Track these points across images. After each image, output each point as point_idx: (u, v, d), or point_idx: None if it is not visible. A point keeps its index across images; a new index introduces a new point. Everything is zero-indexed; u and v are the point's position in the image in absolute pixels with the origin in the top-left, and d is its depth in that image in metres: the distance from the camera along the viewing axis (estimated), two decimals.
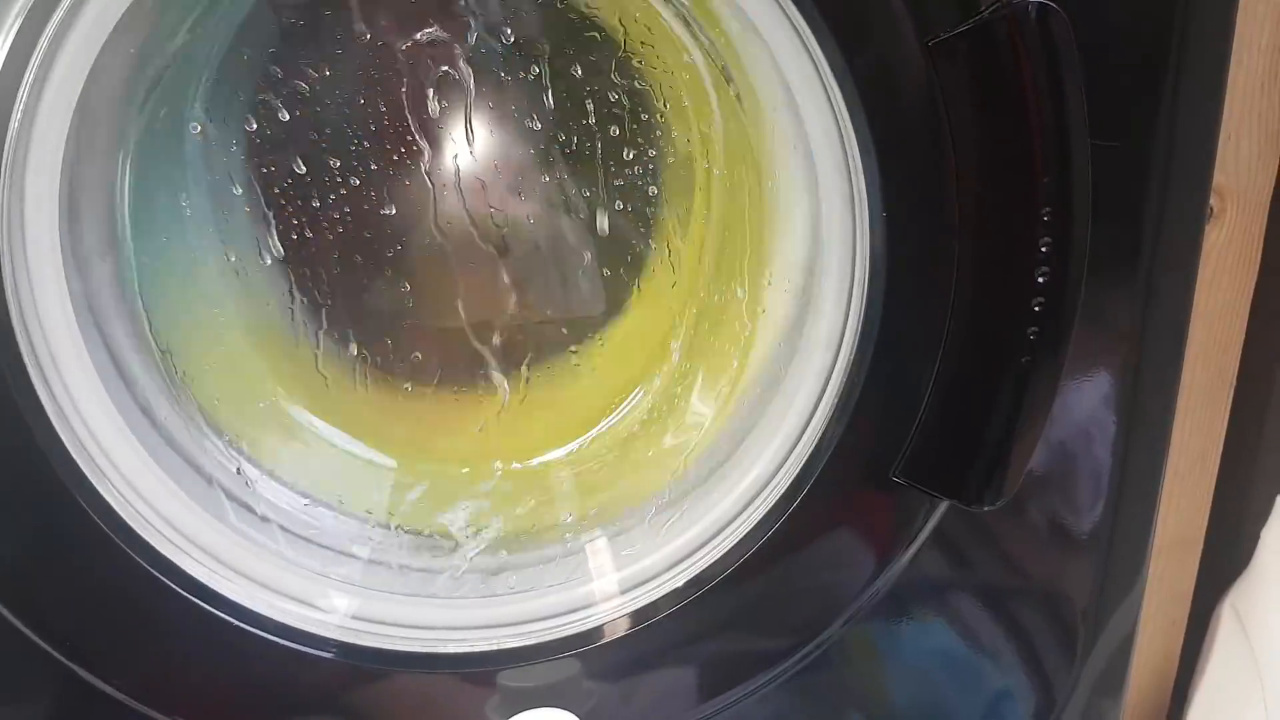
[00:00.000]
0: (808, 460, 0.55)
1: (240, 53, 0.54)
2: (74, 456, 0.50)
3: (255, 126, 0.56)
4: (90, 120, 0.48)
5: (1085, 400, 0.59)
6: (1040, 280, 0.50)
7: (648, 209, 0.64)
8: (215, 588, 0.53)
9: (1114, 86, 0.52)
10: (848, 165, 0.50)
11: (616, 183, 0.62)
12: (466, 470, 0.64)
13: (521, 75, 0.58)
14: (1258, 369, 0.73)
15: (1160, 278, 0.57)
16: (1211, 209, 0.66)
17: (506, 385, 0.66)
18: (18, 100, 0.45)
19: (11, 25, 0.44)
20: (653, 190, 0.62)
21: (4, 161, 0.45)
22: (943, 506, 0.56)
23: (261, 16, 0.54)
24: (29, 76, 0.45)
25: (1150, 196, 0.55)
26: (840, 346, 0.54)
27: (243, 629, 0.53)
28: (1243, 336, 0.71)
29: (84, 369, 0.51)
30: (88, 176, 0.50)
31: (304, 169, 0.58)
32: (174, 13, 0.49)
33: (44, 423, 0.49)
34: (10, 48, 0.44)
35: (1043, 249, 0.50)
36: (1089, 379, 0.59)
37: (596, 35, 0.58)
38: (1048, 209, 0.49)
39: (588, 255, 0.64)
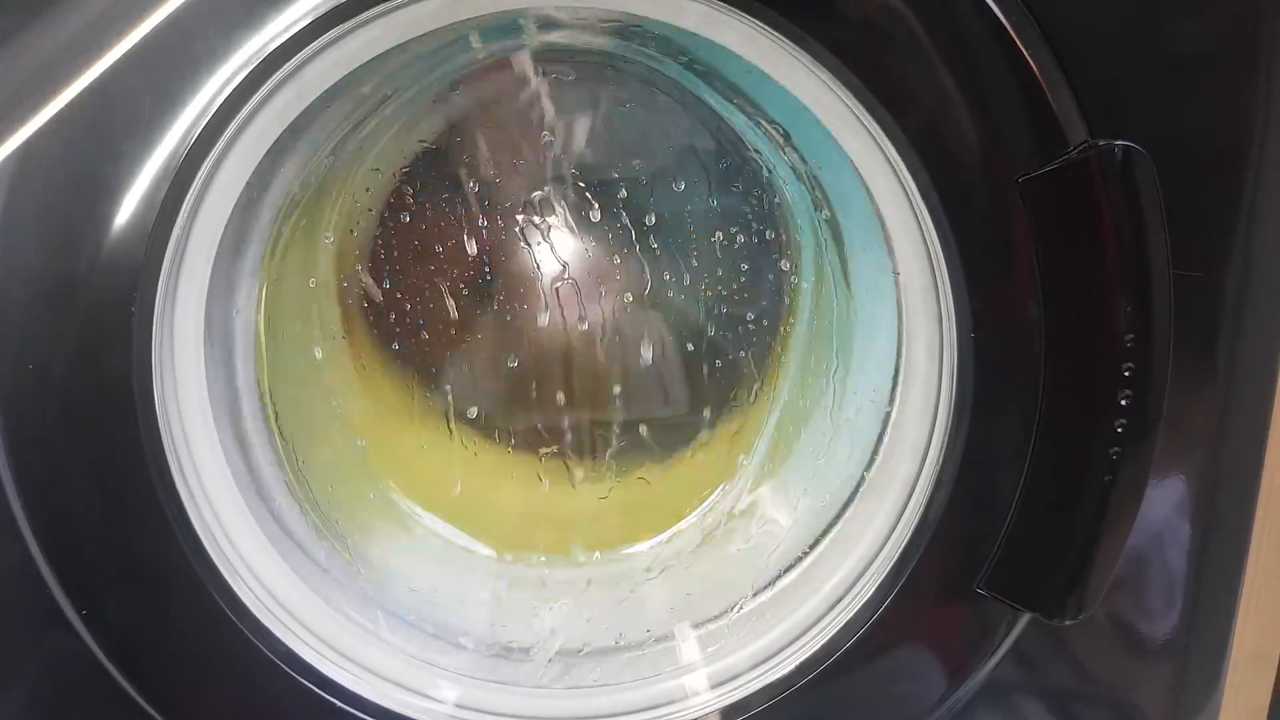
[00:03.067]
0: (893, 567, 0.56)
1: (376, 171, 0.60)
2: (200, 537, 0.53)
3: (382, 238, 0.62)
4: (236, 234, 0.53)
5: (1161, 505, 0.60)
6: (1123, 402, 0.53)
7: (740, 322, 0.67)
8: (324, 671, 0.56)
9: (1195, 217, 0.55)
10: (936, 287, 0.53)
11: (711, 294, 0.66)
12: (556, 561, 0.67)
13: (626, 201, 0.63)
14: None
15: (1239, 387, 0.59)
16: None
17: (593, 478, 0.70)
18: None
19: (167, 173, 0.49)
20: (746, 303, 0.66)
21: (161, 274, 0.50)
22: (1024, 620, 0.58)
23: (398, 140, 0.60)
24: (182, 214, 0.50)
25: (1228, 318, 0.57)
26: (925, 457, 0.57)
27: (350, 713, 0.56)
28: None
29: (215, 457, 0.55)
30: (229, 287, 0.55)
31: (425, 278, 0.63)
32: (316, 142, 0.55)
33: (175, 502, 0.53)
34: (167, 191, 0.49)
35: (1125, 373, 0.52)
36: (1165, 484, 0.60)
37: (697, 166, 0.63)
38: (1131, 335, 0.52)
39: (681, 362, 0.67)
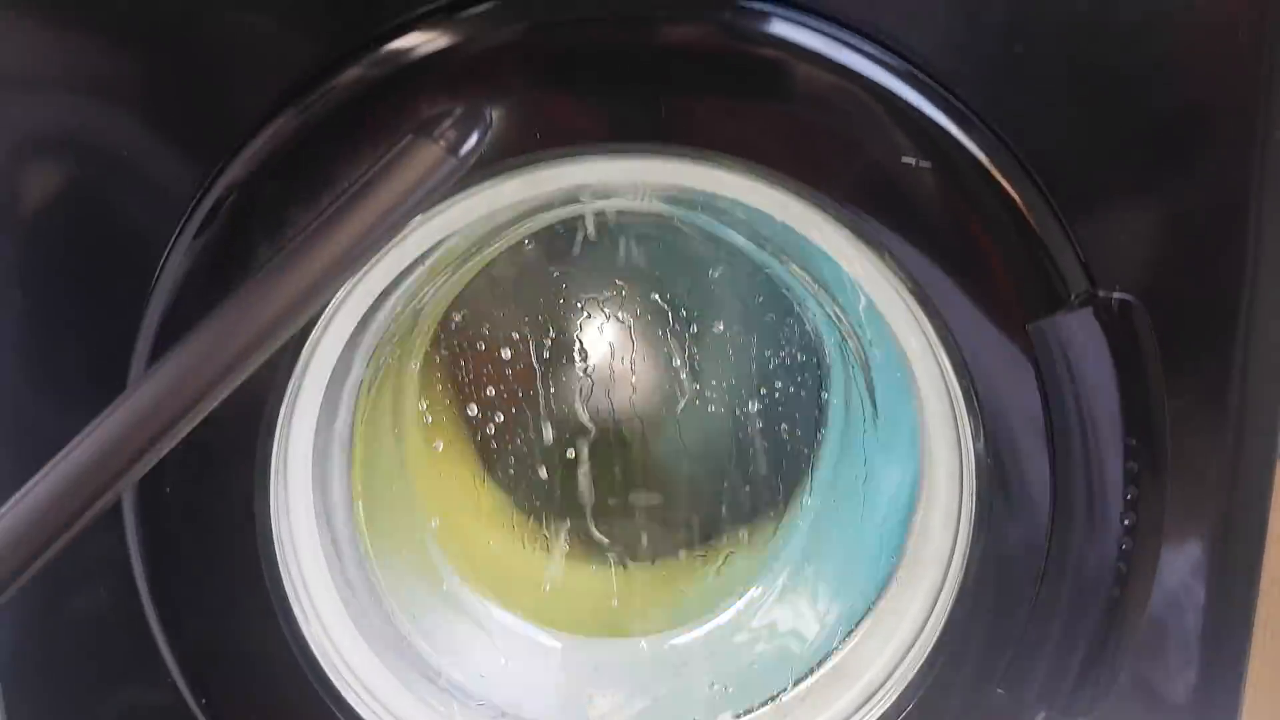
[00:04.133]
0: (920, 668, 0.62)
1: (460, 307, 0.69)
2: (305, 636, 0.61)
3: (461, 364, 0.70)
4: (342, 366, 0.61)
5: (1178, 572, 0.64)
6: (1126, 524, 0.58)
7: (779, 430, 0.74)
8: None
9: (1191, 347, 0.60)
10: (954, 416, 0.59)
11: (752, 408, 0.73)
12: (611, 650, 0.73)
13: (674, 328, 0.71)
14: None
15: (1235, 508, 0.64)
16: None
17: (641, 571, 0.76)
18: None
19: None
20: (784, 417, 0.73)
21: (282, 405, 0.58)
22: (1041, 714, 0.63)
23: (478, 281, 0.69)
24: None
25: (1225, 440, 0.62)
26: (949, 566, 0.62)
27: None
28: None
29: (315, 557, 0.63)
30: (332, 410, 0.63)
31: (495, 396, 0.71)
32: (412, 289, 0.63)
33: (281, 595, 0.60)
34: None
35: (1128, 497, 0.58)
36: (1180, 551, 0.63)
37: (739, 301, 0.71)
38: (1132, 463, 0.58)
39: (724, 467, 0.74)
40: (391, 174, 0.44)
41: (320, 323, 0.56)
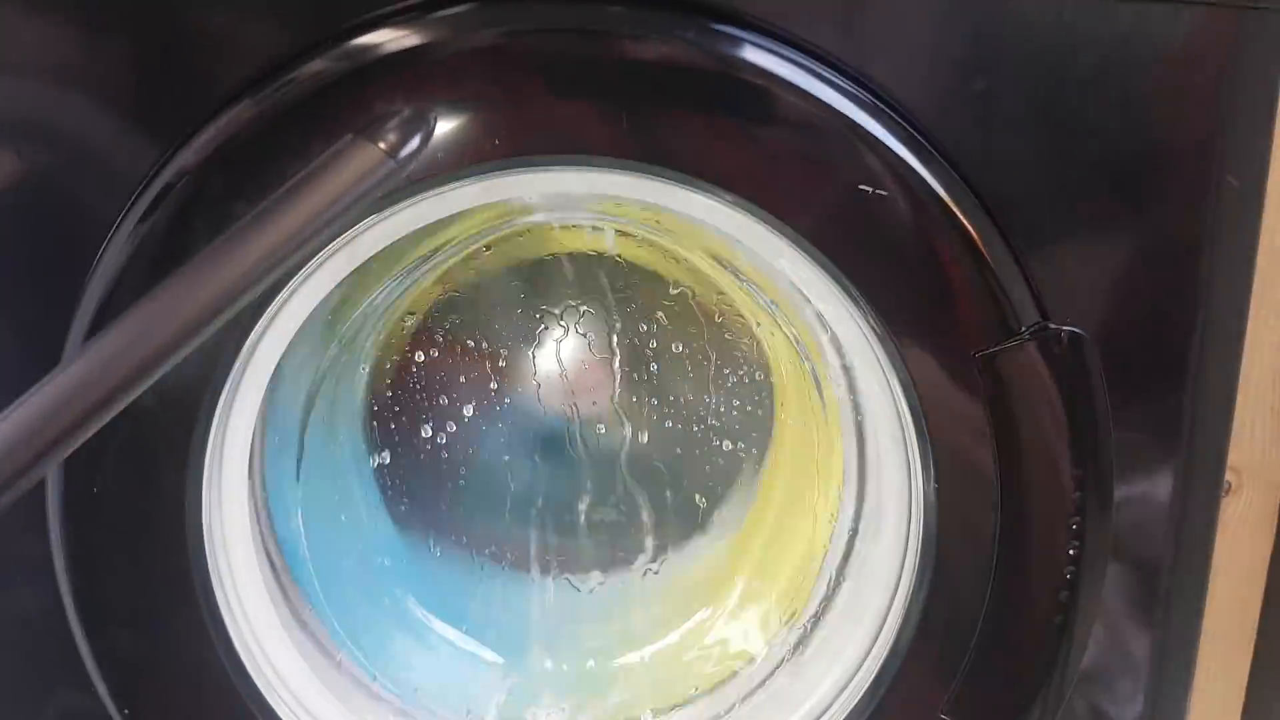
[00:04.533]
0: (865, 693, 0.62)
1: (410, 314, 0.68)
2: (235, 645, 0.59)
3: (409, 371, 0.69)
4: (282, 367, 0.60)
5: (1122, 600, 0.64)
6: (1071, 551, 0.58)
7: (728, 448, 0.74)
8: None
9: (1141, 382, 0.61)
10: (904, 441, 0.59)
11: (704, 425, 0.73)
12: (555, 668, 0.72)
13: (628, 346, 0.71)
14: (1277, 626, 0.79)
15: (1182, 544, 0.64)
16: (1229, 484, 0.74)
17: (587, 591, 0.75)
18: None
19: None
20: (738, 433, 0.73)
21: (218, 408, 0.56)
22: None
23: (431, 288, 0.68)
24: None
25: (1174, 473, 0.63)
26: (895, 591, 0.62)
27: None
28: (1261, 595, 0.77)
29: (249, 563, 0.61)
30: (272, 415, 0.62)
31: (443, 407, 0.70)
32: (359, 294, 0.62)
33: (211, 600, 0.58)
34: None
35: (1073, 525, 0.58)
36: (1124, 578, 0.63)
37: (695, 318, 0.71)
38: (1078, 492, 0.58)
39: (680, 485, 0.74)
40: (328, 173, 0.44)
41: (261, 323, 0.54)
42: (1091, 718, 0.65)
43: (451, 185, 0.53)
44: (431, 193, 0.53)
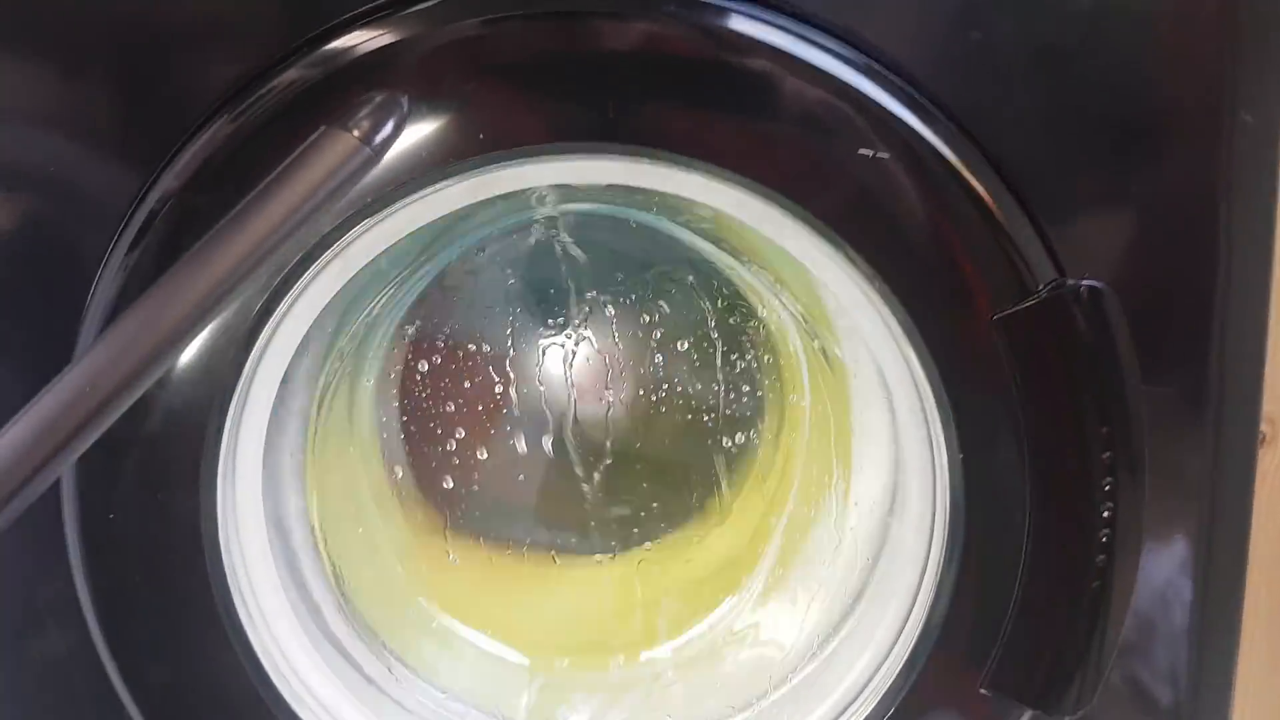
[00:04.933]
0: (899, 673, 0.60)
1: (412, 321, 0.67)
2: (262, 662, 0.59)
3: (413, 377, 0.69)
4: (289, 385, 0.59)
5: (1164, 569, 0.63)
6: (1105, 514, 0.57)
7: (743, 433, 0.72)
8: None
9: (1167, 336, 0.59)
10: (924, 413, 0.58)
11: (714, 410, 0.72)
12: (582, 666, 0.71)
13: (632, 332, 0.70)
14: None
15: (1220, 500, 0.62)
16: (1264, 434, 0.72)
17: (612, 583, 0.74)
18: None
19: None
20: (749, 420, 0.71)
21: (225, 429, 0.56)
22: (1029, 715, 0.61)
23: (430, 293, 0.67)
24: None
25: (1206, 428, 0.60)
26: (925, 567, 0.61)
27: None
28: None
29: (272, 587, 0.60)
30: (281, 430, 0.61)
31: (449, 411, 0.69)
32: (360, 302, 0.61)
33: (240, 632, 0.58)
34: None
35: (1105, 488, 0.56)
36: (1166, 549, 0.61)
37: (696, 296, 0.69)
38: (1108, 453, 0.56)
39: (687, 473, 0.72)
40: (303, 164, 0.43)
41: (263, 336, 0.54)
42: (1129, 692, 0.63)
43: (439, 185, 0.52)
44: (419, 194, 0.52)
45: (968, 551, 0.59)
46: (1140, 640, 0.62)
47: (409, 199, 0.52)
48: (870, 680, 0.61)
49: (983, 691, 0.60)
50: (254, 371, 0.55)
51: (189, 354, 0.54)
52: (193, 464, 0.55)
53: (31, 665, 0.60)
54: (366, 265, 0.55)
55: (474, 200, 0.54)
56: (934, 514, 0.59)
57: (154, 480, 0.55)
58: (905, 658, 0.60)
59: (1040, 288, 0.54)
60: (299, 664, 0.60)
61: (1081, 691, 0.59)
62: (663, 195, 0.54)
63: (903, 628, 0.61)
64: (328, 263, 0.54)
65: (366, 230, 0.53)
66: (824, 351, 0.65)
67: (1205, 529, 0.61)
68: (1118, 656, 0.61)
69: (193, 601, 0.56)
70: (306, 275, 0.54)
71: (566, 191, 0.59)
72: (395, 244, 0.55)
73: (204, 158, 0.50)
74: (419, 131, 0.50)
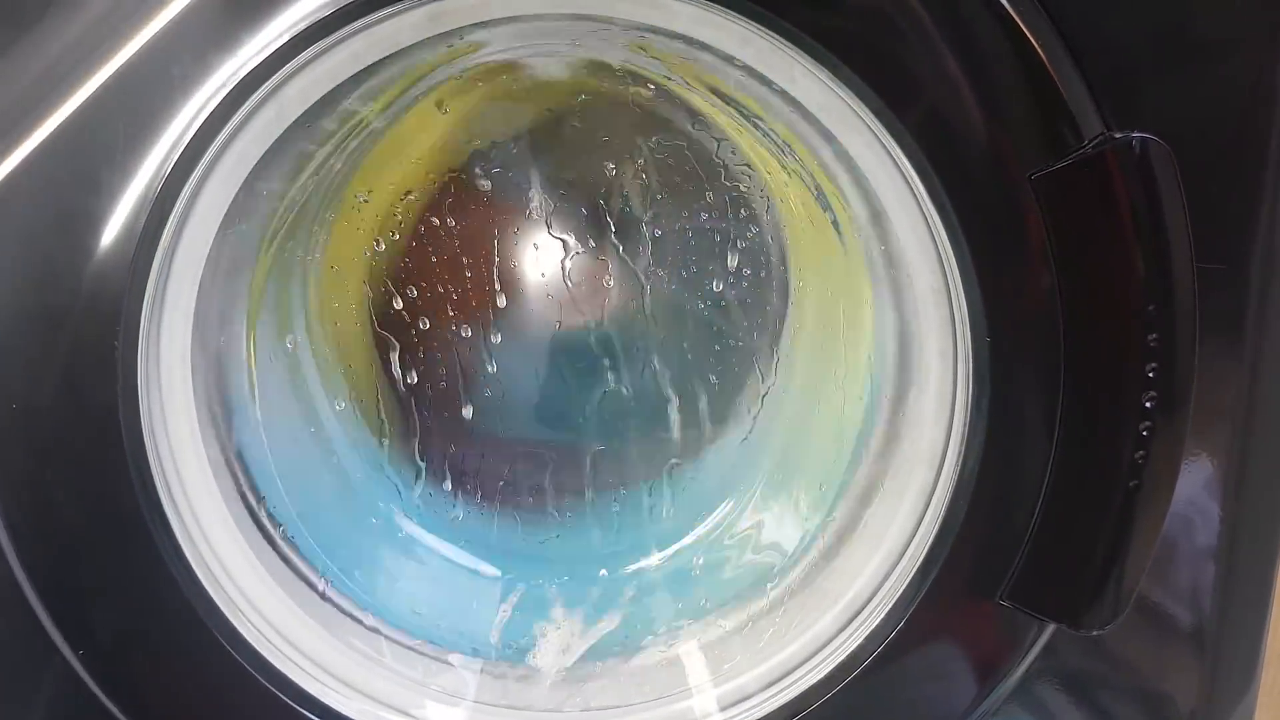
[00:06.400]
0: (911, 581, 0.55)
1: (367, 190, 0.59)
2: (194, 569, 0.52)
3: (376, 258, 0.61)
4: (219, 260, 0.52)
5: (1188, 486, 0.58)
6: (1148, 405, 0.50)
7: (742, 321, 0.65)
8: (327, 701, 0.55)
9: (1215, 207, 0.52)
10: (947, 289, 0.51)
11: (712, 297, 0.65)
12: (562, 578, 0.65)
13: (624, 211, 0.62)
14: None
15: (1265, 372, 0.56)
16: None
17: (598, 490, 0.68)
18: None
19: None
20: (750, 307, 0.64)
21: (145, 303, 0.48)
22: (1051, 628, 0.56)
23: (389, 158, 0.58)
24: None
25: (1253, 307, 0.55)
26: (942, 464, 0.55)
27: None
28: None
29: (209, 488, 0.54)
30: (216, 312, 0.54)
31: (419, 297, 0.62)
32: (299, 163, 0.54)
33: (168, 535, 0.52)
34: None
35: (1150, 374, 0.50)
36: (1193, 464, 0.57)
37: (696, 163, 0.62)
38: (1154, 335, 0.50)
39: (685, 366, 0.66)
40: None
41: (187, 190, 0.46)
42: (1149, 612, 0.57)
43: (389, 10, 0.44)
44: (366, 22, 0.45)
45: (989, 446, 0.53)
46: (1160, 562, 0.57)
47: (352, 28, 0.45)
48: (879, 588, 0.55)
49: (1001, 603, 0.54)
50: (175, 240, 0.48)
51: (104, 219, 0.47)
52: (107, 344, 0.48)
53: None
54: (301, 115, 0.47)
55: (427, 35, 0.46)
56: (952, 405, 0.53)
57: (66, 363, 0.48)
58: (918, 565, 0.54)
59: (1085, 142, 0.48)
60: (239, 576, 0.53)
61: (1115, 603, 0.53)
62: (654, 33, 0.47)
63: (915, 531, 0.55)
64: (256, 108, 0.46)
65: (300, 70, 0.46)
66: (836, 225, 0.58)
67: (1240, 443, 0.55)
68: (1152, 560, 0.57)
69: (111, 500, 0.49)
70: (231, 125, 0.46)
71: (523, 27, 0.51)
72: (335, 90, 0.47)
73: None
74: None
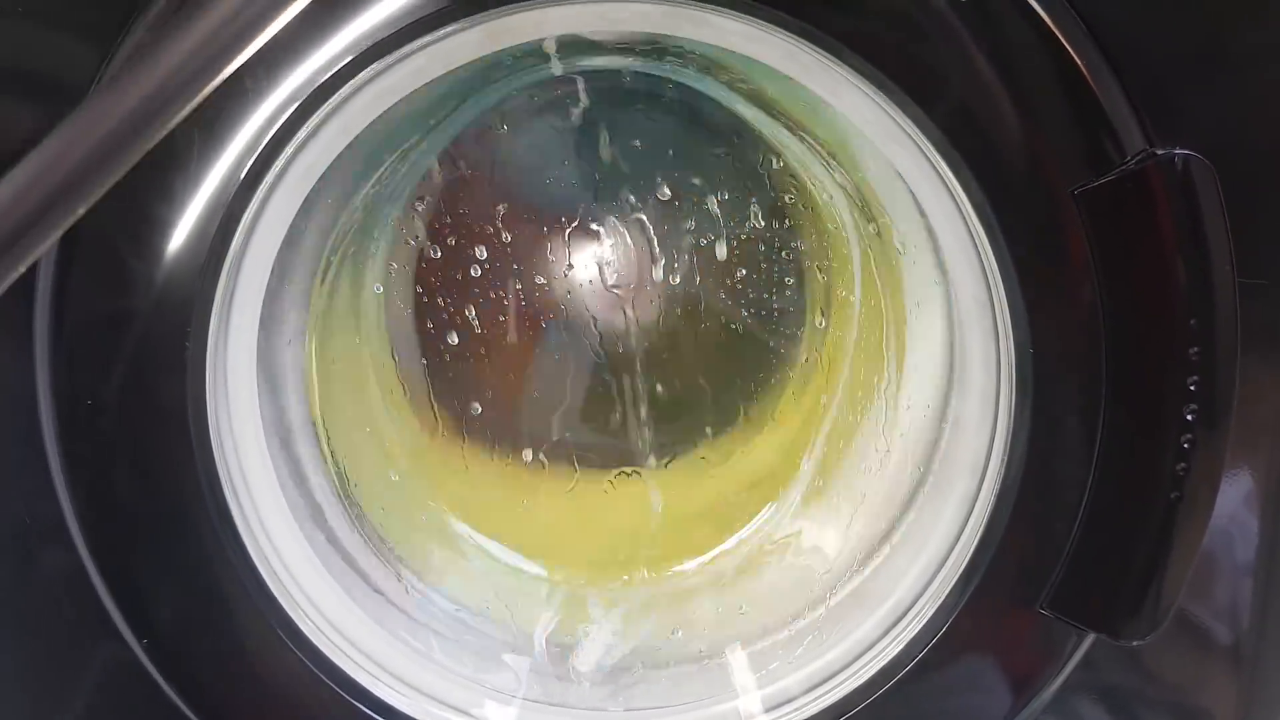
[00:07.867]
0: (952, 589, 0.55)
1: (420, 200, 0.60)
2: (256, 564, 0.54)
3: (426, 265, 0.63)
4: (285, 266, 0.54)
5: (1228, 501, 0.58)
6: (1189, 418, 0.51)
7: (786, 330, 0.67)
8: (377, 693, 0.56)
9: (1258, 222, 0.53)
10: (991, 302, 0.52)
11: (755, 307, 0.66)
12: (606, 579, 0.66)
13: (668, 218, 0.64)
14: None
15: None
16: None
17: (641, 494, 0.69)
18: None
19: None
20: (792, 317, 0.65)
21: (214, 307, 0.51)
22: (1090, 638, 0.56)
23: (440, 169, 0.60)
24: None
25: None
26: (985, 473, 0.55)
27: None
28: None
29: (270, 484, 0.56)
30: (280, 318, 0.56)
31: (465, 303, 0.64)
32: (362, 174, 0.55)
33: (232, 534, 0.54)
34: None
35: (1191, 387, 0.51)
36: (1233, 478, 0.57)
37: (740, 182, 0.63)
38: (1195, 349, 0.50)
39: (726, 375, 0.67)
40: None
41: (254, 202, 0.48)
42: (1187, 627, 0.57)
43: (449, 28, 0.46)
44: (426, 39, 0.46)
45: (1031, 455, 0.53)
46: (1199, 576, 0.57)
47: (414, 46, 0.46)
48: (920, 596, 0.56)
49: (1042, 612, 0.55)
50: (244, 246, 0.50)
51: (175, 225, 0.49)
52: (177, 346, 0.50)
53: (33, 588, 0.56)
54: (369, 126, 0.49)
55: (484, 52, 0.48)
56: (995, 414, 0.54)
57: (137, 364, 0.50)
58: (959, 573, 0.55)
59: (1128, 158, 0.48)
60: (298, 569, 0.55)
61: (1155, 614, 0.54)
62: (701, 46, 0.48)
63: (957, 538, 0.56)
64: (324, 121, 0.48)
65: (368, 83, 0.47)
66: (879, 235, 0.59)
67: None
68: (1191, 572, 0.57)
69: (178, 494, 0.51)
70: (300, 136, 0.48)
71: (581, 45, 0.53)
72: (399, 106, 0.49)
73: None
74: None
